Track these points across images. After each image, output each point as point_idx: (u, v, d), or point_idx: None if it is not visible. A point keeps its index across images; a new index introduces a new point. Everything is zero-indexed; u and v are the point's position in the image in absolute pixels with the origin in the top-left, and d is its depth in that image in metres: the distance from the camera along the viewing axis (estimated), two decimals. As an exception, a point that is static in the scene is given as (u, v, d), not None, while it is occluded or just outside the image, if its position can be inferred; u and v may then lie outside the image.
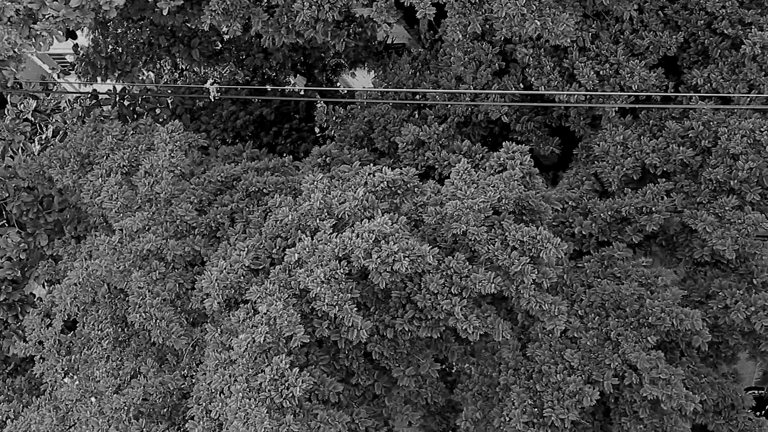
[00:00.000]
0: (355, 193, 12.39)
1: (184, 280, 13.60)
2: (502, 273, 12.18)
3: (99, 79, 21.03)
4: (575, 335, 13.33)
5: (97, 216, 15.85)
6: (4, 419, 15.17)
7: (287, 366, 11.34)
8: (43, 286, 17.11)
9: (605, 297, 13.65)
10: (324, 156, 15.63)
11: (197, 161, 16.07)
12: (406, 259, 11.45)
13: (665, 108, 15.80)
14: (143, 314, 12.94)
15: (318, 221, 12.40)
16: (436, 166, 15.66)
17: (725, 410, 14.02)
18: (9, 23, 12.79)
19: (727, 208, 14.47)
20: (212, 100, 21.44)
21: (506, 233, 12.39)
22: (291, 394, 11.23)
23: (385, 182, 12.74)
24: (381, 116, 17.34)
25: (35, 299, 17.11)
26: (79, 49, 21.31)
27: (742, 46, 15.08)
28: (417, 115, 17.75)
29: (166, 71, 23.49)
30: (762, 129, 14.50)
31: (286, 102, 22.43)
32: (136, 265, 13.68)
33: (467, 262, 12.19)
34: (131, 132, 15.48)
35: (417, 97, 17.79)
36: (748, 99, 15.28)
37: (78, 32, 20.11)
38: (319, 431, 11.53)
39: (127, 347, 14.24)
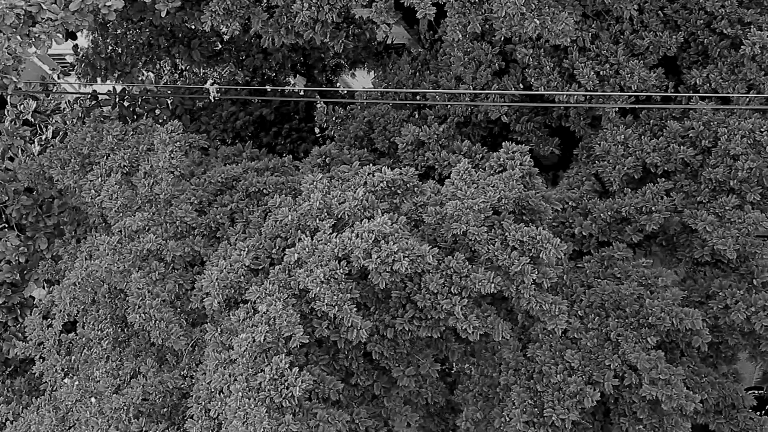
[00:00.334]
0: (354, 193, 12.38)
1: (184, 281, 13.60)
2: (502, 273, 12.18)
3: (99, 79, 21.04)
4: (575, 336, 13.32)
5: (97, 216, 15.86)
6: (4, 421, 15.16)
7: (287, 366, 11.34)
8: (43, 287, 17.12)
9: (605, 297, 13.65)
10: (324, 156, 15.63)
11: (197, 161, 16.08)
12: (406, 259, 11.44)
13: (665, 108, 15.80)
14: (143, 315, 12.94)
15: (317, 221, 12.40)
16: (436, 167, 15.66)
17: (726, 410, 14.02)
18: (10, 29, 12.79)
19: (727, 208, 14.46)
20: (212, 100, 21.41)
21: (506, 233, 12.38)
22: (290, 394, 11.22)
23: (385, 182, 12.73)
24: (381, 116, 17.34)
25: (34, 302, 17.12)
26: (78, 49, 21.32)
27: (742, 46, 15.07)
28: (417, 116, 17.76)
29: (166, 72, 23.51)
30: (762, 129, 14.51)
31: (285, 102, 22.44)
32: (135, 266, 13.67)
33: (467, 262, 12.18)
34: (131, 133, 15.48)
35: (417, 97, 17.80)
36: (748, 99, 15.28)
37: (78, 33, 20.11)
38: (319, 430, 11.52)
39: (127, 347, 14.24)
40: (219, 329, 12.51)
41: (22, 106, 18.23)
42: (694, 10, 15.71)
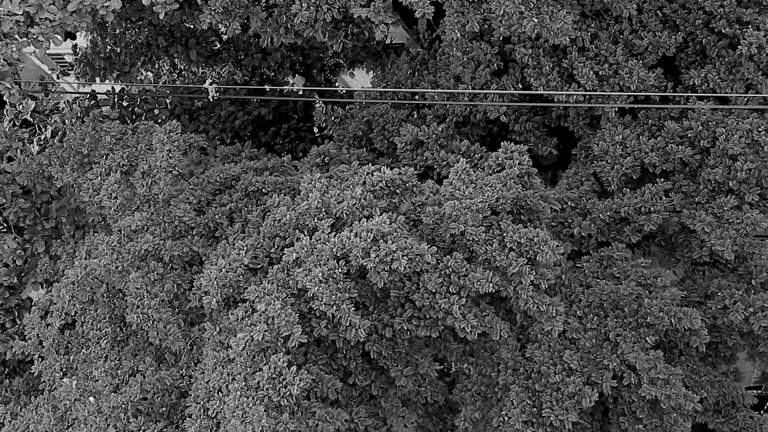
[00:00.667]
0: (353, 192, 12.38)
1: (182, 281, 13.60)
2: (500, 273, 12.18)
3: (98, 79, 21.05)
4: (574, 336, 13.32)
5: (96, 215, 15.85)
6: (2, 421, 15.16)
7: (285, 365, 11.34)
8: (42, 286, 17.12)
9: (604, 297, 13.64)
10: (322, 156, 15.63)
11: (196, 161, 16.08)
12: (405, 258, 11.44)
13: (664, 108, 15.80)
14: (141, 315, 12.94)
15: (316, 220, 12.40)
16: (435, 166, 15.66)
17: (725, 408, 14.03)
18: (8, 36, 12.79)
19: (725, 209, 14.46)
20: (211, 100, 21.45)
21: (504, 234, 12.38)
22: (288, 393, 11.22)
23: (384, 182, 12.73)
24: (380, 116, 17.35)
25: (32, 304, 17.14)
26: (77, 49, 21.32)
27: (739, 45, 15.07)
28: (416, 115, 17.76)
29: (165, 71, 23.51)
30: (760, 129, 14.51)
31: (284, 102, 22.44)
32: (134, 266, 13.67)
33: (465, 262, 12.19)
34: (130, 133, 15.48)
35: (416, 97, 17.80)
36: (746, 99, 15.28)
37: (77, 33, 20.11)
38: (317, 429, 11.52)
39: (126, 346, 14.24)
40: (217, 328, 12.51)
41: (21, 106, 18.23)
42: (692, 9, 15.70)
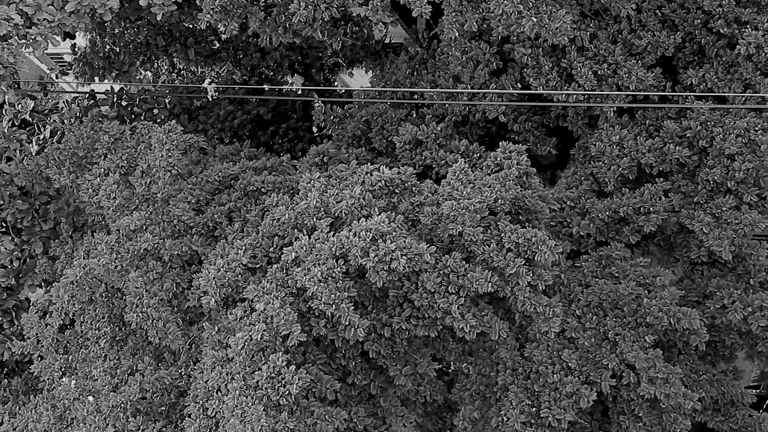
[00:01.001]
0: (352, 191, 12.38)
1: (181, 280, 13.61)
2: (498, 273, 12.18)
3: (97, 79, 21.05)
4: (573, 335, 13.33)
5: (95, 215, 15.86)
6: (0, 420, 15.17)
7: (284, 364, 11.34)
8: (40, 285, 17.13)
9: (603, 297, 13.65)
10: (321, 155, 15.64)
11: (195, 160, 16.08)
12: (404, 257, 11.44)
13: (662, 108, 15.80)
14: (140, 314, 12.95)
15: (315, 220, 12.40)
16: (434, 166, 15.66)
17: (724, 407, 14.04)
18: (4, 40, 12.77)
19: (724, 209, 14.45)
20: (210, 99, 21.44)
21: (502, 234, 12.38)
22: (287, 392, 11.23)
23: (383, 181, 12.73)
24: (379, 115, 17.35)
25: (31, 304, 17.14)
26: (76, 49, 21.32)
27: (737, 45, 15.08)
28: (415, 115, 17.75)
29: (164, 71, 23.51)
30: (756, 128, 14.50)
31: (283, 101, 22.44)
32: (133, 265, 13.68)
33: (464, 262, 12.19)
34: (129, 132, 15.48)
35: (415, 96, 17.80)
36: (743, 98, 15.27)
37: (76, 32, 20.12)
38: (316, 428, 11.52)
39: (125, 346, 14.24)
40: (216, 327, 12.52)
41: (20, 105, 18.23)
42: (691, 9, 15.70)
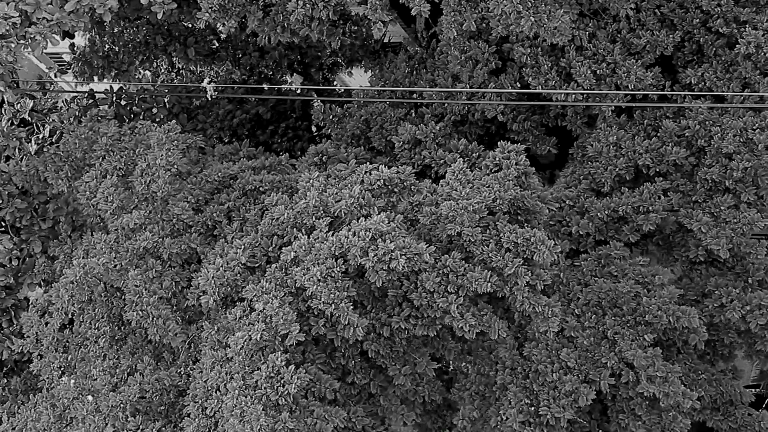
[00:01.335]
0: (351, 191, 12.39)
1: (181, 278, 13.62)
2: (497, 273, 12.19)
3: (96, 78, 21.02)
4: (572, 334, 13.34)
5: (93, 216, 15.85)
6: (-1, 420, 15.22)
7: (283, 363, 11.35)
8: (40, 285, 17.13)
9: (602, 295, 13.66)
10: (320, 155, 15.64)
11: (194, 160, 16.08)
12: (403, 257, 11.45)
13: (660, 107, 15.80)
14: (140, 312, 12.95)
15: (314, 219, 12.41)
16: (433, 165, 15.66)
17: (723, 406, 14.06)
18: (2, 38, 12.76)
19: (722, 208, 14.47)
20: (209, 99, 21.44)
21: (500, 234, 12.40)
22: (287, 392, 11.24)
23: (382, 180, 12.75)
24: (378, 115, 17.35)
25: (29, 304, 17.15)
26: (76, 48, 21.30)
27: (737, 45, 15.08)
28: (414, 114, 17.75)
29: (163, 70, 23.49)
30: (754, 127, 14.51)
31: (282, 101, 22.44)
32: (132, 264, 13.69)
33: (463, 262, 12.20)
34: (128, 133, 15.48)
35: (414, 95, 17.79)
36: (742, 98, 15.27)
37: (75, 32, 20.11)
38: (315, 428, 11.53)
39: (124, 345, 14.25)
40: (215, 327, 12.52)
41: (19, 105, 18.23)
42: (690, 8, 15.70)
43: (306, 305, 11.97)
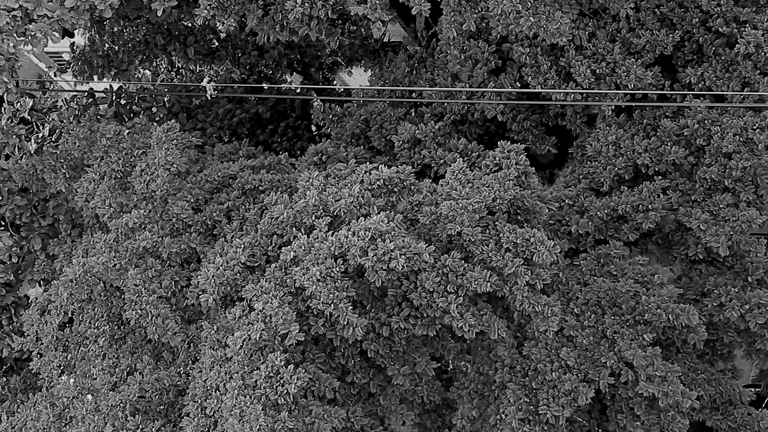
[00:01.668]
0: (350, 190, 12.40)
1: (180, 278, 13.62)
2: (496, 273, 12.20)
3: (95, 77, 21.01)
4: (571, 333, 13.34)
5: (91, 217, 15.85)
6: (-1, 419, 15.20)
7: (282, 363, 11.36)
8: (39, 284, 17.13)
9: (601, 295, 13.67)
10: (320, 154, 15.65)
11: (194, 159, 16.08)
12: (403, 257, 11.46)
13: (660, 106, 15.80)
14: (139, 311, 12.96)
15: (314, 219, 12.42)
16: (432, 165, 15.67)
17: (723, 406, 14.05)
18: (5, 30, 12.76)
19: (721, 206, 14.48)
20: (209, 98, 21.44)
21: (500, 234, 12.40)
22: (286, 391, 11.25)
23: (381, 180, 12.75)
24: (377, 114, 17.35)
25: (29, 301, 17.15)
26: (75, 47, 21.29)
27: (737, 44, 15.08)
28: (413, 114, 17.75)
29: (163, 69, 23.48)
30: (754, 127, 14.52)
31: (282, 100, 22.43)
32: (132, 263, 13.69)
33: (463, 261, 12.20)
34: (127, 132, 15.48)
35: (413, 95, 17.79)
36: (742, 97, 15.28)
37: (75, 31, 20.10)
38: (314, 427, 11.53)
39: (123, 345, 14.24)
40: (215, 327, 12.52)
41: (18, 104, 18.23)
42: (690, 8, 15.70)
43: (305, 305, 11.97)
